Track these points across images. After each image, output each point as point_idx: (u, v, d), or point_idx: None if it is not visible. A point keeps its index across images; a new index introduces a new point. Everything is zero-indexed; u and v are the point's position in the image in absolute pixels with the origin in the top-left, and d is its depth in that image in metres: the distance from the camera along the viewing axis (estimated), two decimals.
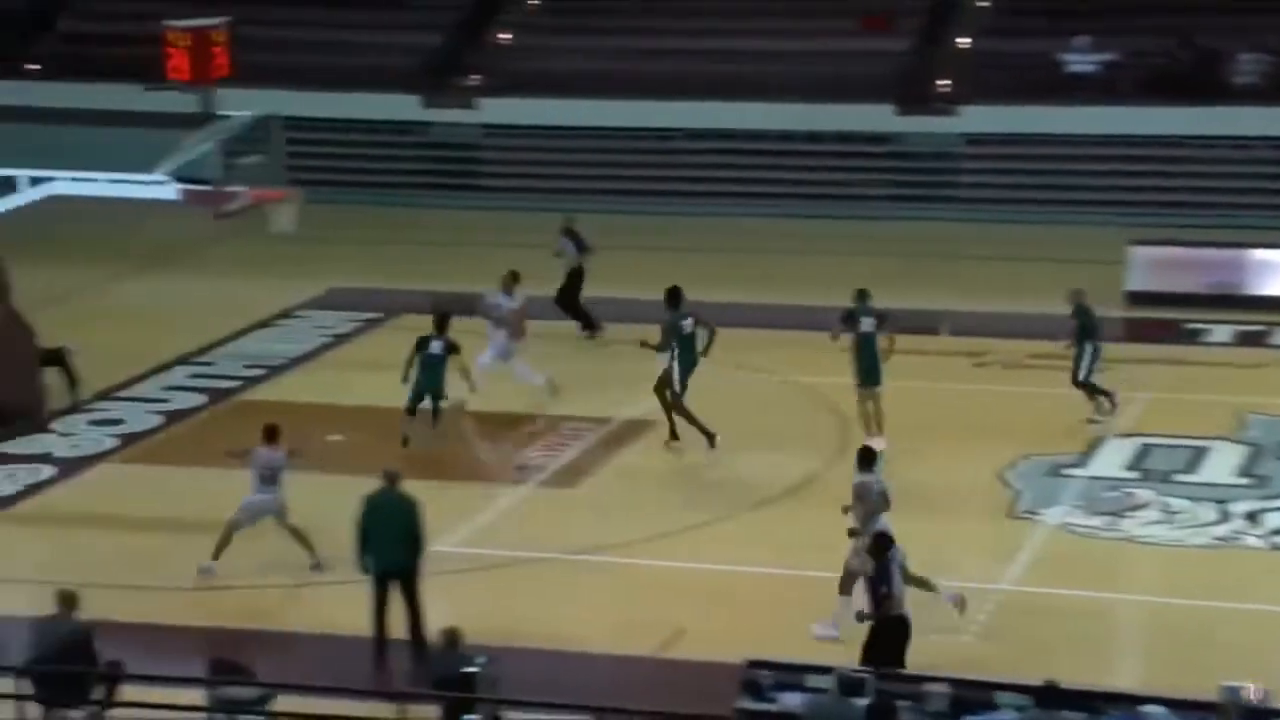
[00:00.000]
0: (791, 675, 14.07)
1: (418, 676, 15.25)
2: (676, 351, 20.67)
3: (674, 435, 20.86)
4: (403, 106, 34.01)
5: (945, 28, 34.40)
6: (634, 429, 21.61)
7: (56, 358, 22.72)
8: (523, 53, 34.92)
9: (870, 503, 16.31)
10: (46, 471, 20.53)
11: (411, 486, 16.54)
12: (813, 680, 13.86)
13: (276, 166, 22.27)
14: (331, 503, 19.38)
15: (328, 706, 13.93)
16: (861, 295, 20.99)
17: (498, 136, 33.92)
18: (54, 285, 26.80)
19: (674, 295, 21.10)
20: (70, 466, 20.72)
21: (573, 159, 33.42)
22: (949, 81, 33.23)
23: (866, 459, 16.68)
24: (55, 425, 21.96)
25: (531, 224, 31.53)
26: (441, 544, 18.20)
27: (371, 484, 16.72)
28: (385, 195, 33.33)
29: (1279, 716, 12.87)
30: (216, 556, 17.46)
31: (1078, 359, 21.37)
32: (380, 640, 16.04)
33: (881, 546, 15.07)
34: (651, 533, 18.47)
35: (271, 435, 17.87)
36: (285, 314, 26.49)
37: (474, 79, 34.80)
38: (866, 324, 20.79)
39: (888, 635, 14.76)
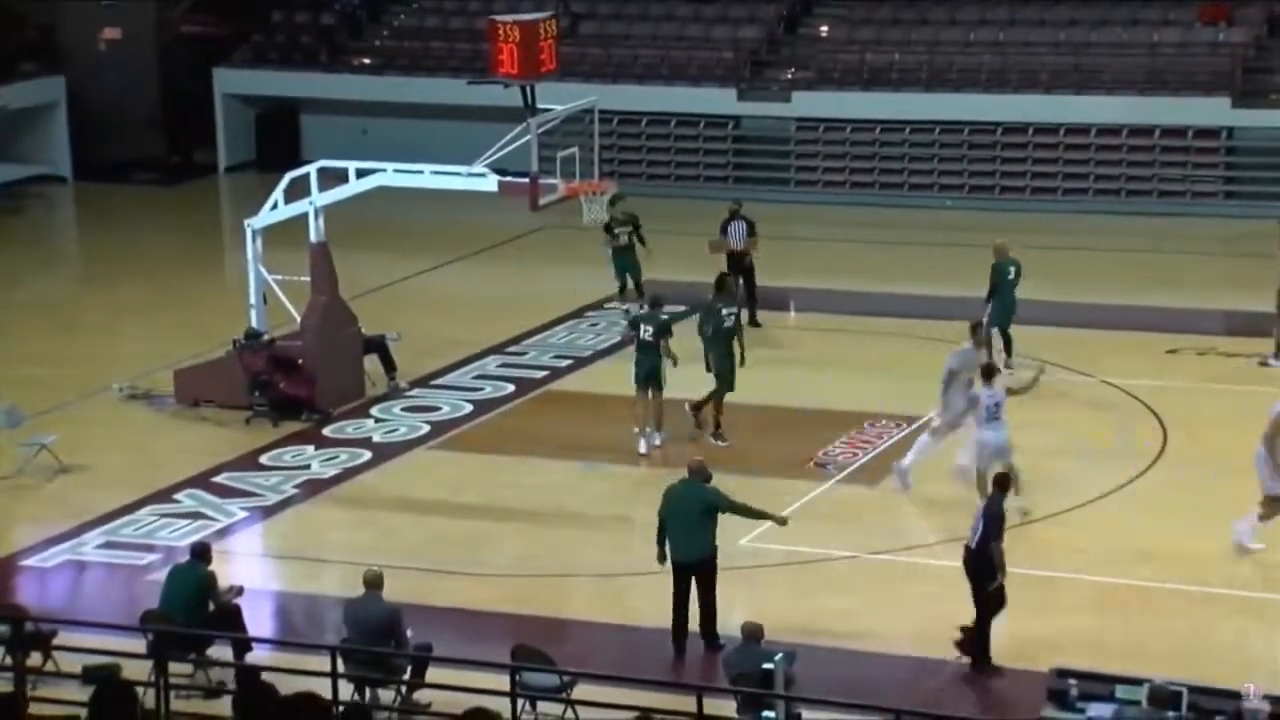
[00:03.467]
0: (1100, 685, 13.65)
1: (713, 670, 15.25)
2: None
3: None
4: (718, 100, 34.11)
5: None
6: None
7: (378, 345, 23.41)
8: (839, 45, 34.68)
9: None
10: (364, 455, 21.15)
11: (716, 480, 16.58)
12: (1123, 691, 13.43)
13: (592, 158, 22.44)
14: (634, 494, 19.70)
15: (626, 697, 14.05)
16: None
17: (809, 130, 33.76)
18: (376, 274, 27.69)
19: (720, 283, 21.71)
20: (385, 451, 21.31)
21: (884, 152, 33.09)
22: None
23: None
24: (374, 411, 22.61)
25: (842, 218, 31.48)
26: (742, 539, 18.24)
27: (680, 475, 16.80)
28: (696, 188, 33.51)
29: None
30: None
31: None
32: (679, 632, 16.09)
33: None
34: (954, 534, 18.13)
35: (989, 374, 19.02)
36: (596, 305, 26.81)
37: (790, 73, 34.71)
38: None
39: None
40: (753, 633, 14.49)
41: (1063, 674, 13.87)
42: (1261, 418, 17.85)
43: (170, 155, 37.63)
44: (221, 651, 15.44)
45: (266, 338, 22.41)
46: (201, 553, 15.84)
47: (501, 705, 13.48)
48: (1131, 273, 27.68)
